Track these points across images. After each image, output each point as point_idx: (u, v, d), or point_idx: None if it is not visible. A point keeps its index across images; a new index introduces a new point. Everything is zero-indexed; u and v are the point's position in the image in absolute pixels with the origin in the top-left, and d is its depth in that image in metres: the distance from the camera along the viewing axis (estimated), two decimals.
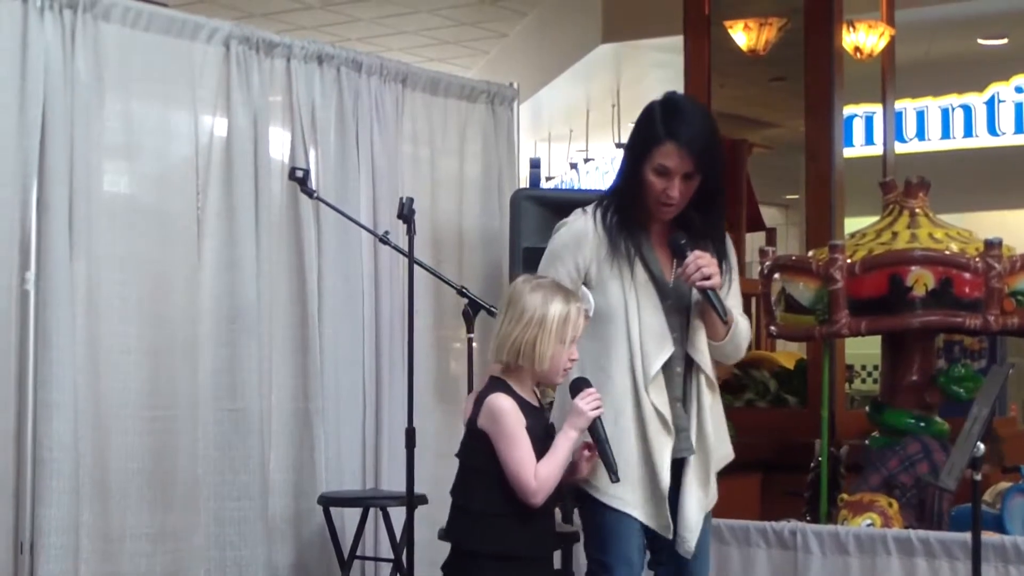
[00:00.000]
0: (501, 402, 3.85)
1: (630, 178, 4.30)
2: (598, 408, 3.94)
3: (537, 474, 3.82)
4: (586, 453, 3.99)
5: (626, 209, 4.28)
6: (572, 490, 4.20)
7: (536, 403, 3.98)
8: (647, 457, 4.17)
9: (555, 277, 4.21)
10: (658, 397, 4.19)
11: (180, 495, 5.49)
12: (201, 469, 5.57)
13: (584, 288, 4.10)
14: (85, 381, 5.18)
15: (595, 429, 3.95)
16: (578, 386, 3.97)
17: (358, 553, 5.86)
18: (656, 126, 4.25)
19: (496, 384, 3.92)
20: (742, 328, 4.38)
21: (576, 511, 4.40)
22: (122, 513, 5.30)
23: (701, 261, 4.15)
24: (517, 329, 3.87)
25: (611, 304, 4.22)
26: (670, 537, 4.22)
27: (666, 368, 4.22)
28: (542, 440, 3.90)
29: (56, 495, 5.06)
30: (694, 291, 4.26)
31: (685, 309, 4.31)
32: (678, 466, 4.29)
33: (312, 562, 5.99)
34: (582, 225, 4.33)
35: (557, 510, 4.41)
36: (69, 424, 5.10)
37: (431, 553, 5.91)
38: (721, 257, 4.33)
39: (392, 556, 5.77)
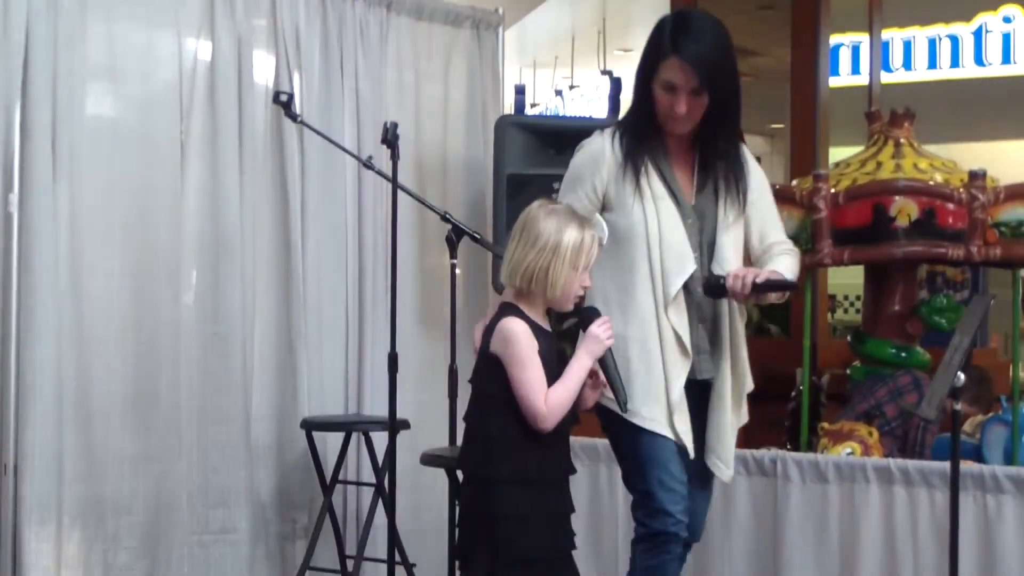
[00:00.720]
0: (513, 325, 3.86)
1: (640, 94, 4.29)
2: (611, 337, 3.96)
3: (548, 398, 3.83)
4: (589, 381, 3.99)
5: (639, 125, 4.27)
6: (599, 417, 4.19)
7: (548, 328, 3.98)
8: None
9: (575, 199, 4.23)
10: (677, 318, 4.18)
11: (162, 419, 5.51)
12: (184, 393, 5.58)
13: (598, 216, 4.07)
14: (68, 305, 5.18)
15: (605, 358, 3.96)
16: (590, 315, 3.98)
17: (340, 477, 5.88)
18: (664, 41, 4.23)
19: (508, 309, 3.93)
20: (795, 273, 4.33)
21: (610, 442, 4.39)
22: (105, 437, 5.32)
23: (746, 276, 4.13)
24: (531, 254, 3.87)
25: (632, 223, 4.21)
26: (691, 457, 4.23)
27: (688, 288, 4.20)
28: (555, 365, 3.91)
29: (40, 418, 5.08)
30: (719, 207, 4.27)
31: (710, 228, 4.29)
32: (705, 388, 4.30)
33: (294, 486, 6.01)
34: (599, 145, 4.31)
35: None
36: (52, 348, 5.11)
37: (413, 477, 5.98)
38: (737, 176, 4.33)
39: (374, 480, 5.79)
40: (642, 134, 4.26)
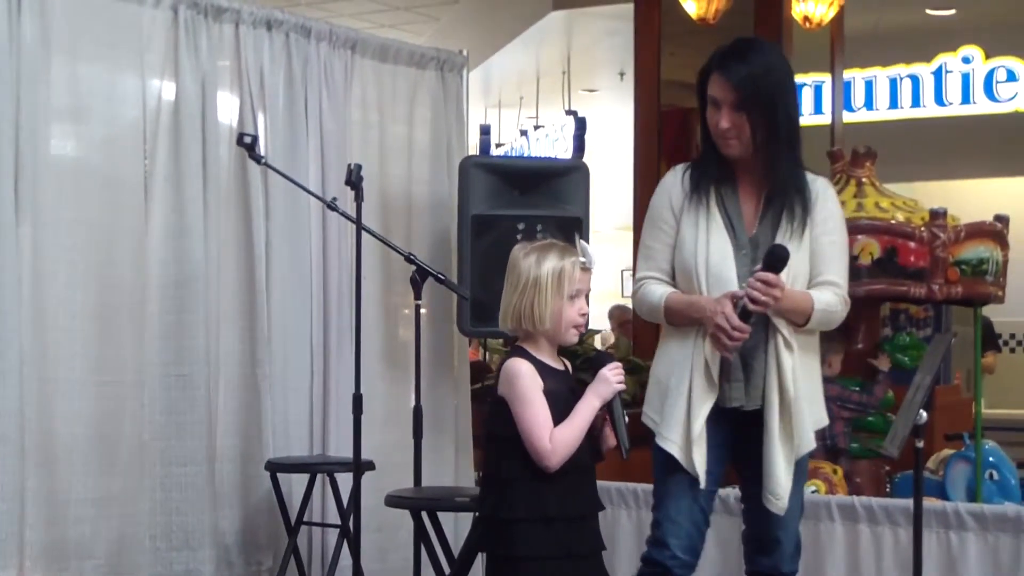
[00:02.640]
0: (517, 366, 3.88)
1: (703, 124, 4.37)
2: (622, 382, 3.97)
3: (553, 436, 3.82)
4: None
5: (705, 156, 4.34)
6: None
7: (560, 366, 3.99)
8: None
9: (655, 237, 4.36)
10: (709, 346, 4.22)
11: (126, 461, 5.47)
12: (147, 435, 5.55)
13: (582, 242, 4.08)
14: (31, 346, 5.14)
15: (612, 403, 3.96)
16: (603, 359, 4.00)
17: (305, 519, 5.86)
18: (711, 60, 4.32)
19: (514, 351, 3.95)
20: (823, 308, 4.30)
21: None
22: (68, 478, 5.28)
23: (771, 290, 4.11)
24: (515, 296, 3.90)
25: (685, 256, 4.28)
26: (701, 487, 4.27)
27: None
28: (567, 401, 3.91)
29: (1, 459, 5.03)
30: (778, 237, 4.27)
31: (755, 258, 4.28)
32: (747, 418, 4.30)
33: (259, 528, 5.98)
34: (671, 181, 4.41)
35: None
36: (15, 389, 5.06)
37: (378, 519, 5.97)
38: (800, 205, 4.32)
39: (339, 522, 5.78)
40: (708, 165, 4.33)
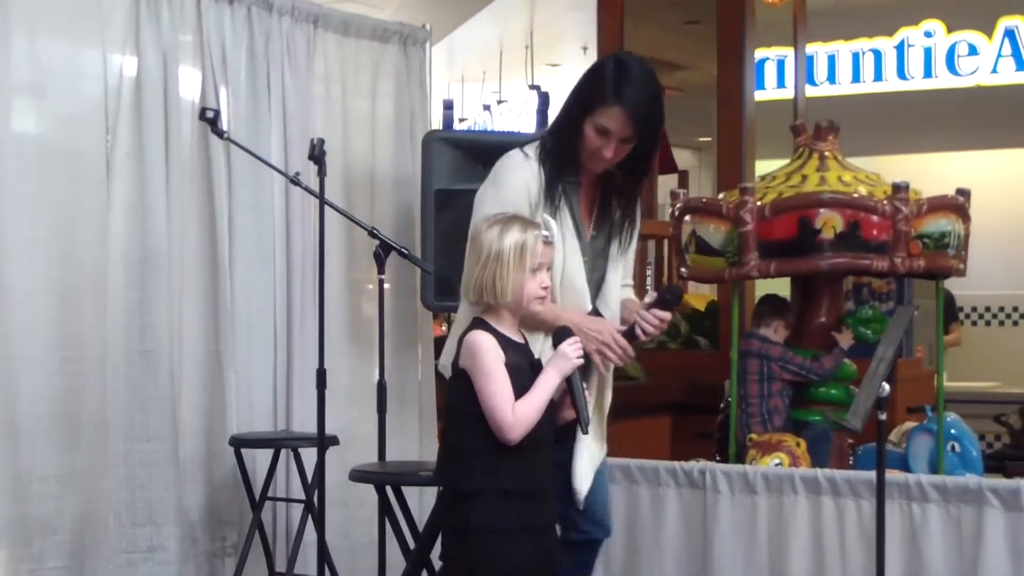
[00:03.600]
0: (478, 338, 3.88)
1: (568, 128, 4.35)
2: (581, 358, 3.99)
3: (515, 410, 3.83)
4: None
5: (562, 155, 4.32)
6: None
7: (521, 339, 4.00)
8: None
9: None
10: None
11: (89, 437, 5.45)
12: (111, 411, 5.54)
13: (545, 216, 4.08)
14: None
15: (572, 379, 3.98)
16: (563, 334, 4.00)
17: (269, 494, 5.85)
18: (606, 86, 4.29)
19: (475, 323, 3.95)
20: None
21: None
22: (31, 455, 5.26)
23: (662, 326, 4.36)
24: (477, 268, 3.90)
25: None
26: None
27: None
28: (528, 375, 3.92)
29: None
30: (612, 254, 4.44)
31: (601, 266, 4.40)
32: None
33: (223, 503, 5.98)
34: (527, 168, 4.35)
35: None
36: None
37: (342, 494, 5.97)
38: (631, 220, 4.49)
39: (304, 497, 5.77)
40: (563, 165, 4.32)
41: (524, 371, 3.93)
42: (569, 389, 3.98)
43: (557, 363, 3.95)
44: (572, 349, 3.96)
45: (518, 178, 4.34)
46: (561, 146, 4.33)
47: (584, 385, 4.07)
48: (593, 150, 4.29)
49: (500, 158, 4.45)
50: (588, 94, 4.32)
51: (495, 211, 4.20)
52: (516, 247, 3.89)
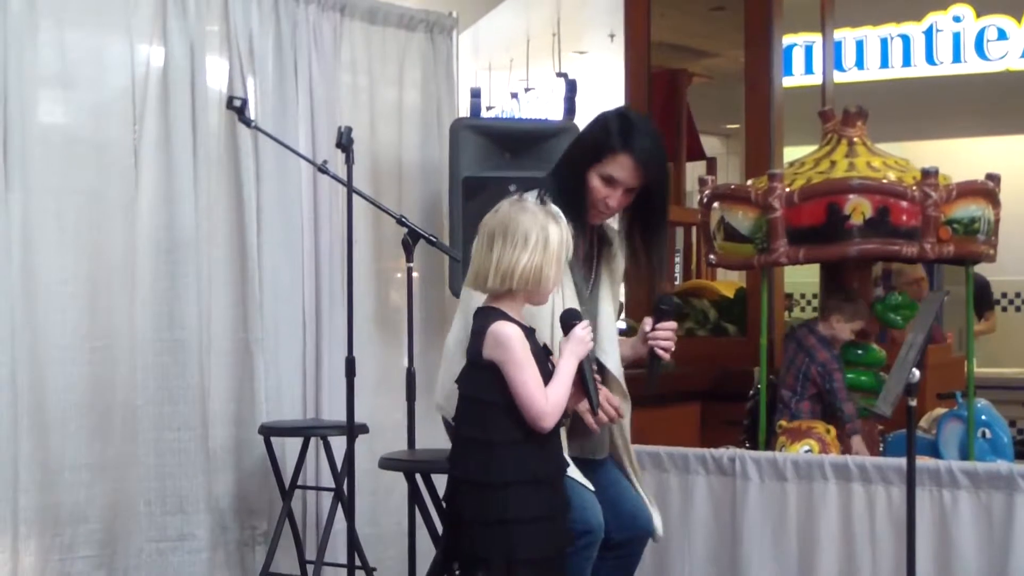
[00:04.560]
0: (507, 329, 3.86)
1: (573, 178, 4.36)
2: (593, 339, 4.01)
3: (548, 396, 3.85)
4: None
5: (565, 205, 4.29)
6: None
7: (528, 327, 3.99)
8: None
9: None
10: None
11: (119, 426, 5.48)
12: (140, 400, 5.55)
13: (555, 208, 4.06)
14: (22, 312, 5.14)
15: (583, 363, 3.99)
16: (573, 317, 4.01)
17: (299, 483, 5.86)
18: (612, 136, 4.32)
19: (492, 313, 3.93)
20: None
21: None
22: (61, 445, 5.29)
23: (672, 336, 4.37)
24: (524, 255, 3.87)
25: (543, 310, 4.20)
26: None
27: None
28: (543, 361, 3.93)
29: None
30: (603, 301, 4.45)
31: (594, 316, 4.38)
32: (594, 466, 4.40)
33: (253, 492, 5.99)
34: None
35: None
36: (7, 356, 5.08)
37: (371, 482, 5.98)
38: (618, 269, 4.53)
39: (333, 485, 5.78)
40: (566, 215, 4.29)
41: (540, 358, 3.93)
42: (579, 373, 3.99)
43: (573, 348, 3.95)
44: (586, 332, 3.97)
45: None
46: (566, 196, 4.32)
47: (594, 367, 4.08)
48: (598, 200, 4.32)
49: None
50: (594, 143, 4.37)
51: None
52: (562, 240, 3.92)
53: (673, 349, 4.39)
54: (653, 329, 4.38)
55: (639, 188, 4.33)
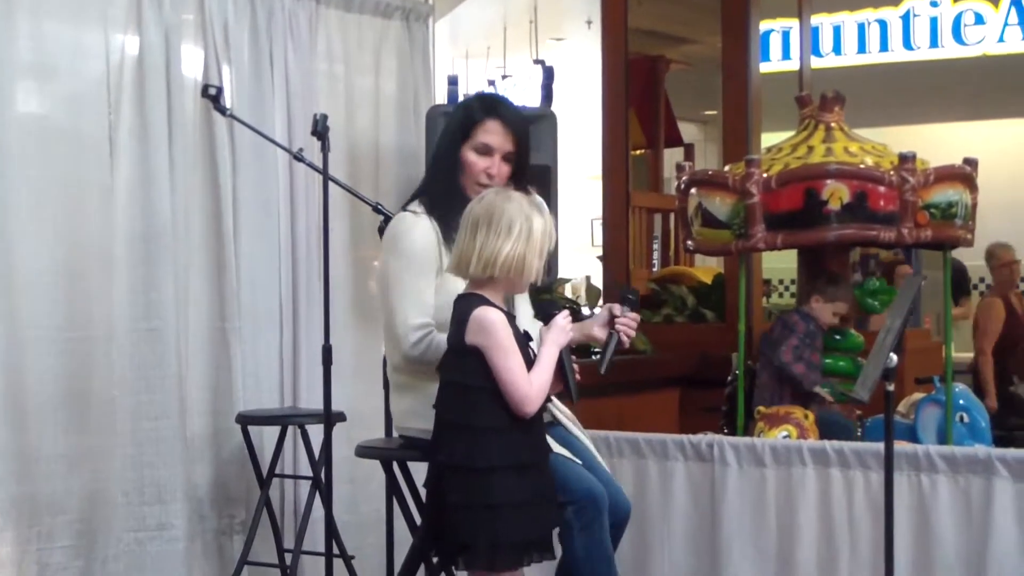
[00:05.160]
0: (490, 315, 3.90)
1: (448, 163, 4.45)
2: (573, 328, 4.05)
3: (531, 381, 3.89)
4: None
5: (447, 198, 4.33)
6: None
7: (510, 313, 4.04)
8: None
9: (427, 286, 4.35)
10: None
11: (96, 416, 5.46)
12: (117, 390, 5.53)
13: (538, 198, 4.10)
14: None
15: (562, 351, 4.03)
16: (552, 307, 4.07)
17: (277, 471, 5.86)
18: (475, 110, 4.44)
19: (474, 299, 3.96)
20: None
21: None
22: (38, 435, 5.26)
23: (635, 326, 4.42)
24: (507, 244, 3.91)
25: (443, 300, 4.25)
26: None
27: None
28: (523, 348, 3.96)
29: None
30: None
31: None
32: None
33: (231, 481, 5.98)
34: (426, 226, 4.42)
35: None
36: None
37: (349, 469, 5.97)
38: None
39: (311, 474, 5.77)
40: (451, 204, 4.34)
41: (521, 344, 3.97)
42: (559, 361, 4.01)
43: (555, 336, 3.99)
44: (567, 322, 4.01)
45: (419, 236, 4.41)
46: (445, 185, 4.40)
47: (572, 357, 4.11)
48: (478, 173, 4.38)
49: (387, 228, 4.56)
50: (460, 122, 4.46)
51: (410, 279, 4.32)
52: (545, 231, 3.96)
53: (632, 336, 4.45)
54: (621, 315, 4.41)
55: (514, 153, 4.40)
